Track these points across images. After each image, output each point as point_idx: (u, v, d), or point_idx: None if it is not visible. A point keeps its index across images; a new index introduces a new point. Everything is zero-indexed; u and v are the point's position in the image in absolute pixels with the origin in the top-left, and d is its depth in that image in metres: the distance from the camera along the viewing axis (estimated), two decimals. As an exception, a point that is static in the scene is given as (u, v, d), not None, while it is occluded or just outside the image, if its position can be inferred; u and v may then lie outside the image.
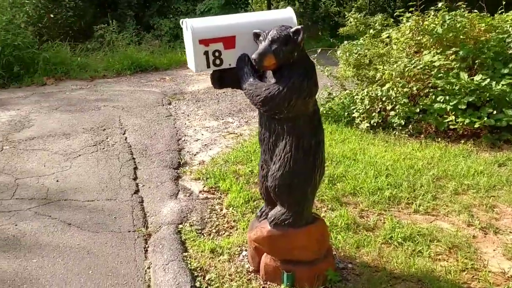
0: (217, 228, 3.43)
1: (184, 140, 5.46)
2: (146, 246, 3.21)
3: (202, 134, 5.67)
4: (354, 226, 3.40)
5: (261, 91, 2.35)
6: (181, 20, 2.54)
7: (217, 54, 2.48)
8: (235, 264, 2.94)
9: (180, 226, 3.43)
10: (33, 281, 2.81)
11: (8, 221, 3.49)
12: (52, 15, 11.27)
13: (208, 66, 2.49)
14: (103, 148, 5.04)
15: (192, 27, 2.42)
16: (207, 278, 2.79)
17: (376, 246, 3.13)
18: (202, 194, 4.04)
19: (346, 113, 6.00)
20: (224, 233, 3.36)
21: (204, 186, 4.16)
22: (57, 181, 4.21)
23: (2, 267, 2.94)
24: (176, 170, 4.53)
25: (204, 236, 3.32)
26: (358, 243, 3.17)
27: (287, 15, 2.57)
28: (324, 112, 6.09)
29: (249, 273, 2.85)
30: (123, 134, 5.55)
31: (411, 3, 6.26)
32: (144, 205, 3.82)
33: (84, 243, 3.23)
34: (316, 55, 6.47)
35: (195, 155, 5.01)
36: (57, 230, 3.38)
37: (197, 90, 8.05)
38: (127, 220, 3.54)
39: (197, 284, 2.72)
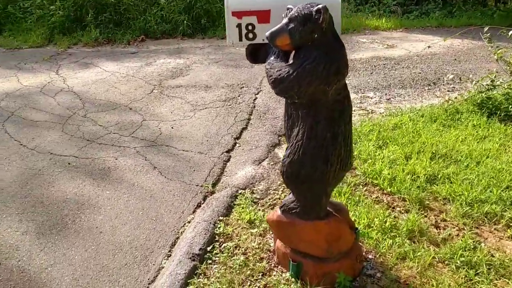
0: (274, 202, 3.42)
1: (309, 108, 5.40)
2: (201, 202, 3.41)
3: (331, 106, 5.51)
4: (417, 235, 3.00)
5: (273, 72, 2.23)
6: (222, -9, 2.54)
7: (250, 27, 2.42)
8: (262, 239, 2.93)
9: (242, 191, 3.52)
10: (95, 208, 3.29)
11: (113, 154, 4.09)
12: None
13: (241, 39, 2.45)
14: (229, 105, 5.37)
15: (227, -2, 2.40)
16: (223, 246, 2.86)
17: (424, 263, 2.73)
18: (287, 165, 4.02)
19: (510, 106, 5.09)
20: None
21: (294, 158, 4.12)
22: (172, 128, 4.69)
23: (83, 191, 3.51)
24: (279, 137, 4.57)
25: (257, 206, 3.36)
26: (406, 253, 2.82)
27: None
28: (479, 101, 5.29)
29: (268, 252, 2.80)
30: (256, 94, 5.78)
31: None
32: (227, 164, 4.01)
33: (155, 187, 3.60)
34: (485, 33, 5.57)
35: (310, 125, 4.93)
36: (142, 170, 3.84)
37: (359, 58, 7.73)
38: (202, 175, 3.78)
39: (209, 248, 2.81)
